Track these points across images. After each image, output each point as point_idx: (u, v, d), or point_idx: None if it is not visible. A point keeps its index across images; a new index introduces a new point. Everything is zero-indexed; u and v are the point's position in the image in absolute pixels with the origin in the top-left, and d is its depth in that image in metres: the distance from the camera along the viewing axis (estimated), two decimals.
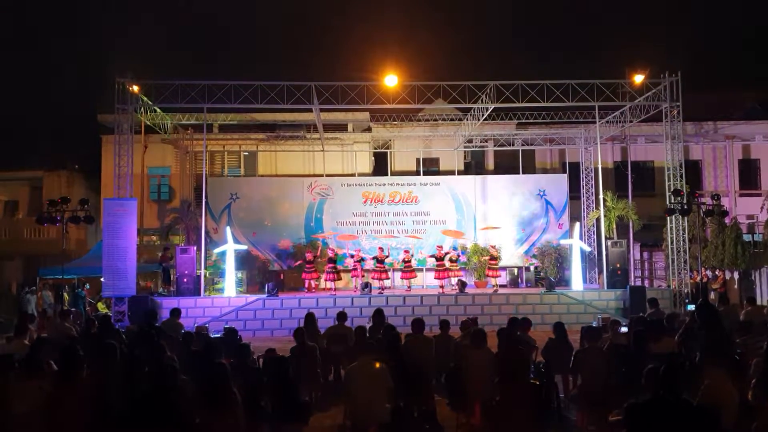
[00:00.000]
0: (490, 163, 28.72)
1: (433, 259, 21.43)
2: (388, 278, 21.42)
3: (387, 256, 21.31)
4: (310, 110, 21.11)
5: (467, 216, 25.06)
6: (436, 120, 27.11)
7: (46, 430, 5.83)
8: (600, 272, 22.56)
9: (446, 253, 21.26)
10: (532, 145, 27.13)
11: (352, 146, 27.61)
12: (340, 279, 21.03)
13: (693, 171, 27.16)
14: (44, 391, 5.99)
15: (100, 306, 21.14)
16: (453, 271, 21.04)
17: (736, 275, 23.66)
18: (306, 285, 21.54)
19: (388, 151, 27.70)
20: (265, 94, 19.03)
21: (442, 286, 20.75)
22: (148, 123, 22.68)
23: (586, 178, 26.19)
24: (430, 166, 28.04)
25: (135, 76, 19.35)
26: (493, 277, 21.14)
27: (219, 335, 11.15)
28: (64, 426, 5.77)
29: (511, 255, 24.66)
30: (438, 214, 25.01)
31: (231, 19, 58.01)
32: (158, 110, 22.02)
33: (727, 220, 22.31)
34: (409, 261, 21.51)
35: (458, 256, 22.61)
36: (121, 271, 18.41)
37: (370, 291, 19.67)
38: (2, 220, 29.50)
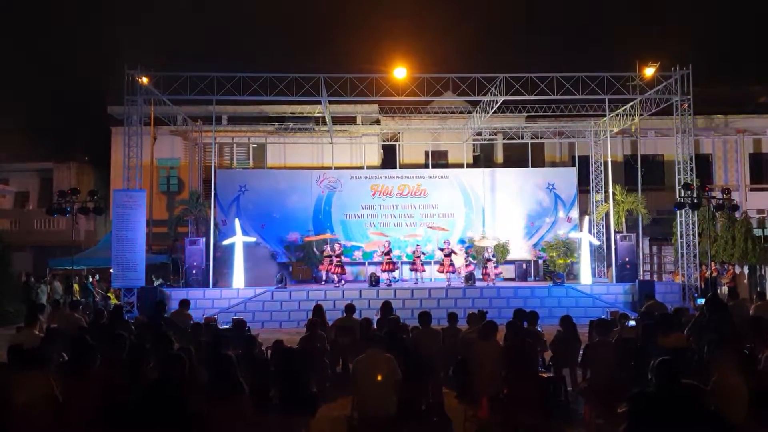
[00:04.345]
0: (499, 156, 28.67)
1: (440, 253, 21.38)
2: (396, 269, 21.42)
3: (391, 251, 21.36)
4: (319, 102, 21.10)
5: (476, 209, 25.02)
6: (445, 113, 27.06)
7: (54, 420, 5.87)
8: (609, 266, 22.50)
9: (452, 251, 21.23)
10: (541, 138, 27.05)
11: (360, 139, 27.59)
12: (344, 273, 21.05)
13: (703, 165, 27.02)
14: (51, 381, 6.03)
15: (112, 298, 21.20)
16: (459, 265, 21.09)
17: (746, 270, 23.54)
18: (327, 277, 21.39)
19: (397, 143, 27.68)
20: (274, 86, 19.03)
21: (448, 280, 20.76)
22: (158, 115, 22.76)
23: (595, 171, 26.08)
24: (439, 159, 28.00)
25: (144, 68, 19.39)
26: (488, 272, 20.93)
27: (227, 327, 11.18)
28: (74, 416, 5.81)
29: (520, 248, 24.62)
30: (446, 207, 24.98)
31: (239, 10, 58.00)
32: (167, 102, 22.05)
33: (737, 215, 22.17)
34: (419, 256, 21.57)
35: (467, 249, 22.65)
36: (130, 262, 18.51)
37: (378, 284, 19.69)
38: (13, 211, 29.66)
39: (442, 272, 21.01)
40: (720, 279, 21.25)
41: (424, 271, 21.89)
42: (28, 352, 6.41)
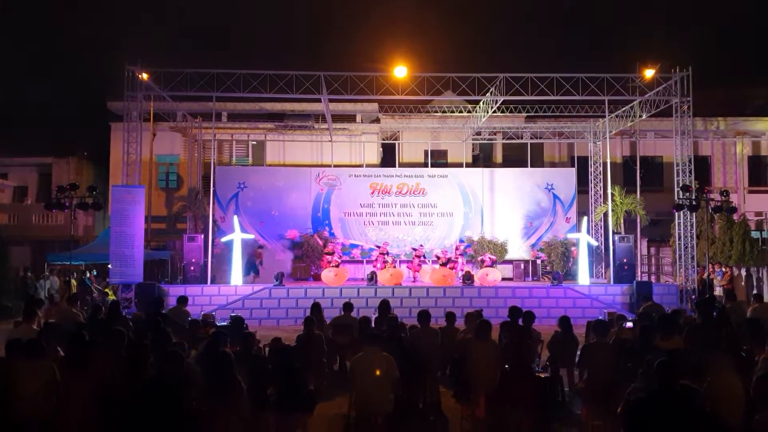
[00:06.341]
0: (499, 156, 28.69)
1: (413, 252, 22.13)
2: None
3: (388, 252, 21.55)
4: (319, 100, 21.09)
5: (474, 209, 25.03)
6: (444, 112, 27.06)
7: (51, 412, 5.88)
8: (607, 267, 22.51)
9: (448, 258, 21.26)
10: (540, 138, 27.05)
11: (360, 137, 27.58)
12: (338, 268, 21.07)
13: (702, 167, 27.09)
14: (54, 368, 6.05)
15: (110, 293, 21.19)
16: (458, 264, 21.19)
17: (743, 272, 23.57)
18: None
19: (397, 142, 27.67)
20: (273, 84, 19.03)
21: (415, 278, 21.34)
22: (157, 111, 22.75)
23: (594, 172, 26.08)
24: (438, 158, 28.01)
25: (145, 64, 19.38)
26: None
27: (225, 323, 11.18)
28: (71, 411, 5.81)
29: (518, 248, 24.64)
30: (445, 206, 24.99)
31: (240, 7, 57.98)
32: (167, 98, 22.04)
33: (735, 217, 22.19)
34: (422, 257, 21.79)
35: (464, 249, 22.68)
36: (128, 258, 18.51)
37: (376, 282, 19.67)
38: (11, 206, 29.64)
39: (411, 269, 21.82)
40: (717, 281, 21.27)
41: (420, 270, 21.91)
42: (27, 343, 6.42)
